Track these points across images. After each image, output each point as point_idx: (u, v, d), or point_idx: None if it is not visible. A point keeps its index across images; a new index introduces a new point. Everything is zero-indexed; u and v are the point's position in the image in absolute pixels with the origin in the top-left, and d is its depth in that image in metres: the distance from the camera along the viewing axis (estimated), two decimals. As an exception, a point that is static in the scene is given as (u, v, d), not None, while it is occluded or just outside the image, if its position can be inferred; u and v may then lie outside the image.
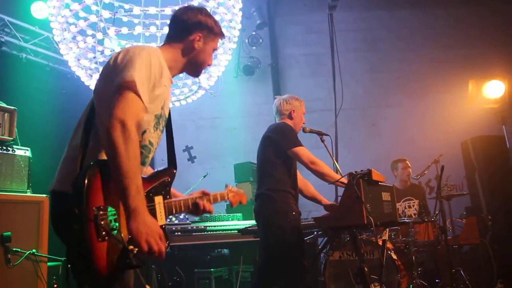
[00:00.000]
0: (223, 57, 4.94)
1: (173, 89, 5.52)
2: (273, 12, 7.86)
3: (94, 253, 1.55)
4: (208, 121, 7.48)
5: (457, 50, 7.26)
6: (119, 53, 1.85)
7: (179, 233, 5.21)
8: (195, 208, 2.12)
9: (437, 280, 4.71)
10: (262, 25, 7.30)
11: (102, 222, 1.57)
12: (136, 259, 1.65)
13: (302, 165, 3.42)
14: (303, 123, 3.72)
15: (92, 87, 4.70)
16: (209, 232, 5.28)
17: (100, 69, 4.36)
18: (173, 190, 2.06)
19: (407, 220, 4.60)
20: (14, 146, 4.04)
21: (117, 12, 4.15)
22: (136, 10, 4.05)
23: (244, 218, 5.53)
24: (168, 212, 1.92)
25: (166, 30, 4.05)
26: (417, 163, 5.49)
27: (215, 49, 2.15)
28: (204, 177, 6.16)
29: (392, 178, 5.56)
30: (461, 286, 4.40)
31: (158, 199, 1.88)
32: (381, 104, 7.45)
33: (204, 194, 2.19)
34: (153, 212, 1.82)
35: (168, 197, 1.94)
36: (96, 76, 4.51)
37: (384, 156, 6.08)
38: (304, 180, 3.73)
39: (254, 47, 7.36)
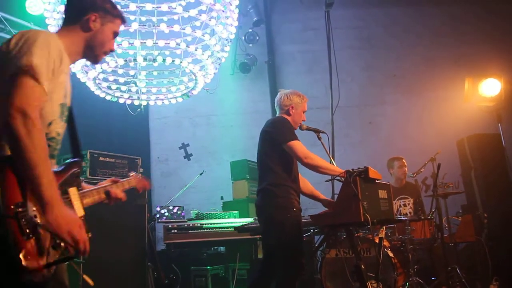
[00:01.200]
0: (220, 54, 4.92)
1: (170, 86, 5.49)
2: (269, 9, 7.84)
3: (21, 253, 1.45)
4: (204, 119, 7.46)
5: (453, 48, 7.28)
6: (11, 38, 1.71)
7: (176, 231, 5.20)
8: (107, 197, 2.11)
9: (433, 278, 4.73)
10: (259, 22, 7.28)
11: (23, 220, 1.48)
12: (64, 254, 1.61)
13: (297, 159, 3.41)
14: (303, 121, 3.71)
15: (88, 83, 4.69)
16: (205, 230, 5.28)
17: (95, 66, 4.34)
18: (82, 183, 2.03)
19: (403, 218, 4.61)
20: None
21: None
22: (132, 6, 4.02)
23: (241, 216, 5.53)
24: (85, 202, 1.90)
25: (162, 27, 4.03)
26: (413, 161, 5.50)
27: (116, 33, 2.04)
28: (201, 174, 6.15)
29: (388, 175, 5.57)
30: (457, 284, 4.41)
31: (73, 191, 1.83)
32: (377, 101, 7.46)
33: (114, 182, 2.19)
34: (69, 204, 1.78)
35: (79, 188, 1.90)
36: (93, 73, 4.47)
37: (381, 153, 6.09)
38: (302, 177, 3.72)
39: (250, 45, 7.34)
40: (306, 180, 3.75)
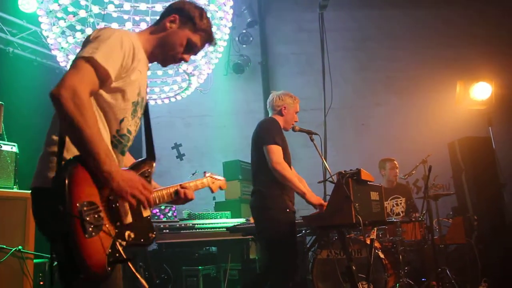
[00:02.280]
0: (213, 54, 4.93)
1: (162, 86, 5.49)
2: (264, 10, 7.85)
3: (83, 251, 1.49)
4: (197, 119, 7.46)
5: (445, 51, 7.33)
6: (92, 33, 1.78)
7: (167, 231, 5.19)
8: (177, 197, 2.09)
9: (423, 279, 4.76)
10: (253, 23, 7.29)
11: (88, 218, 1.51)
12: (126, 253, 1.62)
13: (268, 162, 3.39)
14: (295, 121, 3.72)
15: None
16: (197, 230, 5.27)
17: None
18: (153, 182, 2.03)
19: (394, 220, 4.64)
20: (1, 142, 3.98)
21: (106, 8, 4.11)
22: (127, 6, 4.02)
23: (233, 216, 5.53)
24: (153, 202, 1.87)
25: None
26: (405, 163, 5.53)
27: (192, 44, 1.98)
28: (193, 174, 6.11)
29: (379, 177, 5.59)
30: (446, 285, 4.45)
31: None
32: (370, 103, 7.50)
33: (182, 188, 2.14)
34: (137, 204, 1.78)
35: None
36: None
37: (373, 155, 6.12)
38: (298, 176, 3.73)
39: (244, 45, 7.35)
40: (302, 179, 3.74)
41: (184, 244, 5.31)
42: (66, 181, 1.50)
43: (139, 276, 1.86)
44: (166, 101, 5.59)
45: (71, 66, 1.63)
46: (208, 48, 4.52)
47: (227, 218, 5.52)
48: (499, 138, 6.21)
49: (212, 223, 5.36)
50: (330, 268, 4.21)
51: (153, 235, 1.81)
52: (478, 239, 5.23)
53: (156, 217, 5.52)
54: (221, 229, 5.20)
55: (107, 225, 1.59)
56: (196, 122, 7.45)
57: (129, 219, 1.70)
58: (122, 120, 1.81)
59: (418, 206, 5.26)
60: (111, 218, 1.63)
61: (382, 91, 7.50)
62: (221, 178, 2.56)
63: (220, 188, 2.54)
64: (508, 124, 6.80)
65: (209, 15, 4.24)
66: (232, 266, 5.36)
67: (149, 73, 4.92)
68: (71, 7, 4.32)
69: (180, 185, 2.15)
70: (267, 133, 3.48)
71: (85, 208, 1.51)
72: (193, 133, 7.35)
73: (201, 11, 2.02)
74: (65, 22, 4.36)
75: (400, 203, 5.43)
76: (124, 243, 1.64)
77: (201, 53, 4.50)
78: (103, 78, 1.65)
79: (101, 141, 1.57)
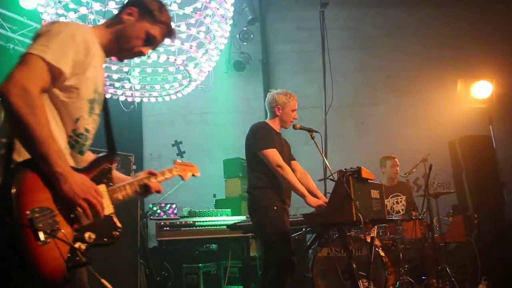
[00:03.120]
0: (214, 52, 4.92)
1: (163, 83, 5.48)
2: (264, 8, 7.84)
3: (37, 259, 1.41)
4: (198, 116, 7.46)
5: (446, 50, 7.32)
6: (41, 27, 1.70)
7: (168, 228, 5.19)
8: (144, 190, 1.98)
9: (423, 277, 4.76)
10: (254, 21, 7.28)
11: (41, 225, 1.43)
12: (85, 256, 1.56)
13: (269, 166, 3.45)
14: (294, 119, 3.72)
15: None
16: (197, 228, 5.28)
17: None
18: (119, 174, 1.97)
19: (395, 218, 4.64)
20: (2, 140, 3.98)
21: (107, 5, 4.10)
22: (127, 2, 4.01)
23: (233, 214, 5.54)
24: (115, 199, 1.80)
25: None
26: (405, 161, 5.53)
27: (150, 36, 1.90)
28: (194, 172, 6.13)
29: (380, 174, 5.59)
30: (446, 283, 4.46)
31: (100, 188, 1.73)
32: (370, 102, 7.49)
33: (151, 174, 2.03)
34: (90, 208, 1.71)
35: (111, 184, 1.80)
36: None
37: (373, 153, 6.11)
38: (304, 172, 3.75)
39: (245, 43, 7.35)
40: (308, 176, 3.74)
41: (184, 241, 5.31)
42: (13, 190, 1.41)
43: (102, 279, 1.79)
44: (167, 98, 5.58)
45: (19, 60, 1.55)
46: (208, 45, 4.52)
47: (227, 215, 5.52)
48: (500, 136, 6.21)
49: (212, 221, 5.37)
50: (331, 266, 4.21)
51: (117, 233, 1.74)
52: (478, 238, 5.24)
53: (156, 215, 5.53)
54: (221, 227, 5.20)
55: (63, 229, 1.51)
56: (197, 119, 7.45)
57: (88, 219, 1.62)
58: (78, 119, 1.74)
59: (418, 205, 5.26)
60: (68, 221, 1.56)
61: (382, 89, 7.49)
62: (192, 164, 2.46)
63: (193, 175, 2.43)
64: (509, 123, 6.80)
65: (209, 12, 4.24)
66: (233, 264, 5.37)
67: (149, 70, 4.92)
68: (72, 4, 4.32)
69: (149, 171, 2.05)
70: (259, 138, 3.53)
71: (36, 215, 1.44)
72: (193, 130, 7.35)
73: (160, 4, 1.96)
74: (66, 19, 4.35)
75: (401, 201, 5.43)
76: (84, 245, 1.59)
77: (201, 51, 4.49)
78: (54, 75, 1.59)
79: (52, 141, 1.50)
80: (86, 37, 1.71)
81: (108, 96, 5.01)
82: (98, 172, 1.76)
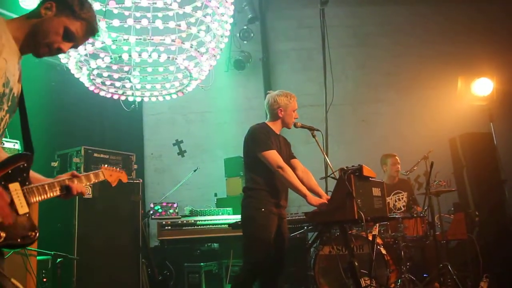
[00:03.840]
0: (215, 51, 4.92)
1: (164, 83, 5.48)
2: (264, 6, 7.83)
3: None
4: (198, 115, 7.45)
5: (446, 47, 7.31)
6: None
7: (169, 227, 5.20)
8: (66, 191, 1.92)
9: (425, 275, 4.77)
10: (254, 19, 7.26)
11: None
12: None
13: (270, 168, 3.46)
14: (295, 119, 3.72)
15: (82, 79, 4.66)
16: (199, 227, 5.29)
17: (90, 61, 4.32)
18: (36, 175, 1.92)
19: (396, 216, 4.65)
20: (3, 139, 3.98)
21: (108, 4, 4.10)
22: (128, 2, 4.00)
23: (234, 213, 5.53)
24: (30, 199, 1.73)
25: (158, 23, 4.02)
26: (407, 159, 5.53)
27: (69, 32, 1.83)
28: (195, 171, 6.15)
29: (381, 173, 5.60)
30: (448, 281, 4.46)
31: (14, 186, 1.68)
32: (371, 99, 7.49)
33: (74, 176, 1.98)
34: (10, 201, 1.65)
35: (27, 183, 1.74)
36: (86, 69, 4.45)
37: (374, 151, 6.11)
38: (306, 170, 3.76)
39: (245, 41, 7.33)
40: (310, 174, 3.75)
41: (186, 240, 5.32)
42: None
43: (12, 279, 1.75)
44: (168, 97, 5.58)
45: None
46: (209, 44, 4.51)
47: (228, 214, 5.52)
48: (501, 134, 6.20)
49: (213, 220, 5.37)
50: (332, 264, 4.22)
51: (34, 233, 1.68)
52: (479, 235, 5.24)
53: (158, 214, 5.53)
54: (223, 226, 5.21)
55: None
56: (197, 118, 7.45)
57: None
58: None
59: (419, 202, 5.26)
60: None
61: (383, 87, 7.48)
62: (121, 170, 2.41)
63: (121, 180, 2.38)
64: (510, 120, 6.79)
65: (210, 11, 4.24)
66: (234, 263, 5.37)
67: (149, 69, 4.91)
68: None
69: (72, 173, 2.00)
70: (258, 141, 3.54)
71: None
72: (194, 129, 7.35)
73: (83, 0, 1.90)
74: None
75: (402, 198, 5.44)
76: None
77: (202, 49, 4.48)
78: None
79: None
80: None
81: (108, 95, 5.00)
82: (12, 170, 1.70)
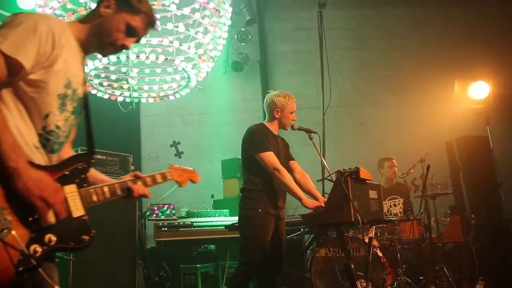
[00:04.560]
0: (213, 53, 4.92)
1: (161, 84, 5.48)
2: (262, 8, 7.84)
3: None
4: (195, 117, 7.45)
5: (443, 51, 7.34)
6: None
7: (166, 229, 5.19)
8: (127, 193, 1.87)
9: (421, 277, 4.78)
10: (252, 22, 7.28)
11: None
12: (37, 259, 1.44)
13: (267, 169, 3.47)
14: (293, 121, 3.72)
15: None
16: (195, 228, 5.28)
17: (88, 61, 4.31)
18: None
19: (393, 218, 4.66)
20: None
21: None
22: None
23: (231, 214, 5.53)
24: (87, 201, 1.68)
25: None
26: (403, 162, 5.55)
27: (131, 28, 1.82)
28: (192, 172, 6.12)
29: (378, 176, 5.61)
30: (444, 283, 4.47)
31: (69, 189, 1.63)
32: (368, 102, 7.51)
33: (137, 177, 1.93)
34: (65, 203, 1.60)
35: (85, 185, 1.70)
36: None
37: (371, 154, 6.13)
38: (303, 172, 3.76)
39: (243, 43, 7.34)
40: (307, 177, 3.76)
41: (182, 242, 5.31)
42: None
43: (51, 282, 1.62)
44: (165, 98, 5.58)
45: None
46: (207, 46, 4.52)
47: (225, 216, 5.52)
48: (497, 137, 6.22)
49: (210, 221, 5.37)
50: (329, 266, 4.22)
51: (87, 237, 1.62)
52: (475, 238, 5.25)
53: (154, 215, 5.52)
54: (219, 227, 5.21)
55: (16, 230, 1.41)
56: (195, 120, 7.44)
57: (49, 220, 1.51)
58: (47, 115, 1.65)
59: (416, 205, 5.27)
60: (24, 221, 1.46)
61: (380, 90, 7.50)
62: (192, 170, 2.30)
63: (192, 181, 2.27)
64: (506, 123, 6.82)
65: (208, 13, 4.25)
66: (231, 264, 5.36)
67: (147, 71, 4.92)
68: (70, 4, 4.31)
69: (135, 174, 1.95)
70: (256, 141, 3.55)
71: None
72: (191, 131, 7.35)
73: None
74: (64, 19, 4.35)
75: (398, 204, 5.45)
76: (40, 248, 1.47)
77: (200, 51, 4.49)
78: (12, 67, 1.50)
79: (5, 133, 1.41)
80: (52, 27, 1.61)
81: (106, 96, 5.00)
82: (70, 171, 1.66)
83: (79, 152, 1.86)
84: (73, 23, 1.81)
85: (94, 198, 1.72)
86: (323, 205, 3.34)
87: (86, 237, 1.63)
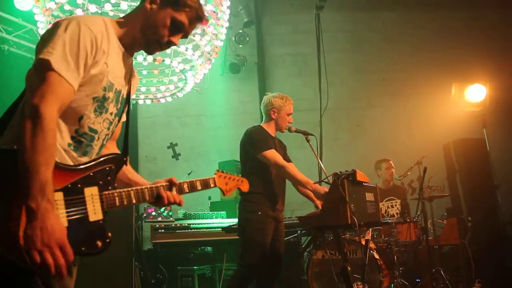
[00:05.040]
0: (210, 55, 4.93)
1: (159, 86, 5.48)
2: (260, 10, 7.86)
3: None
4: (193, 119, 7.45)
5: (440, 54, 7.36)
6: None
7: (163, 231, 5.19)
8: (157, 200, 1.80)
9: (417, 280, 4.78)
10: (249, 23, 7.29)
11: None
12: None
13: (271, 167, 3.51)
14: (289, 123, 3.73)
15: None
16: (192, 230, 5.27)
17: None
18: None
19: (389, 221, 4.66)
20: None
21: (103, 7, 4.10)
22: (124, 5, 4.01)
23: (228, 216, 5.53)
24: (110, 204, 1.60)
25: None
26: (400, 164, 5.56)
27: (178, 23, 1.74)
28: (189, 174, 6.13)
29: (375, 178, 5.62)
30: (440, 286, 4.48)
31: (91, 191, 1.55)
32: (365, 105, 7.52)
33: (172, 183, 1.83)
34: (82, 205, 1.52)
35: (110, 187, 1.62)
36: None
37: (368, 156, 6.14)
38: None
39: (240, 45, 7.35)
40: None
41: (179, 244, 5.30)
42: None
43: None
44: (163, 100, 5.58)
45: (34, 74, 1.49)
46: (204, 48, 4.52)
47: (222, 218, 5.52)
48: (493, 140, 6.25)
49: (207, 223, 5.36)
50: (325, 268, 4.21)
51: (101, 243, 1.55)
52: (472, 240, 5.27)
53: (151, 217, 5.51)
54: (216, 229, 5.20)
55: None
56: (192, 121, 7.44)
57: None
58: (81, 118, 1.61)
59: (412, 207, 5.28)
60: None
61: (377, 92, 7.52)
62: (239, 177, 2.14)
63: (240, 189, 2.13)
64: (502, 126, 6.85)
65: (206, 15, 4.25)
66: (228, 266, 5.36)
67: (144, 72, 4.91)
68: (67, 6, 4.31)
69: (171, 179, 1.85)
70: (256, 142, 3.57)
71: None
72: (189, 132, 7.34)
73: None
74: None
75: (395, 205, 5.45)
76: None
77: (198, 53, 4.49)
78: (67, 88, 1.50)
79: (40, 171, 1.35)
80: (94, 33, 1.57)
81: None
82: (95, 173, 1.59)
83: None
84: (117, 21, 1.76)
85: (117, 202, 1.64)
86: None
87: (99, 243, 1.55)
